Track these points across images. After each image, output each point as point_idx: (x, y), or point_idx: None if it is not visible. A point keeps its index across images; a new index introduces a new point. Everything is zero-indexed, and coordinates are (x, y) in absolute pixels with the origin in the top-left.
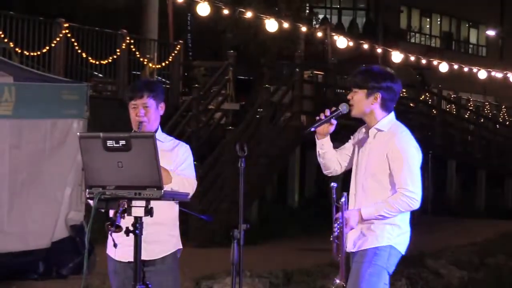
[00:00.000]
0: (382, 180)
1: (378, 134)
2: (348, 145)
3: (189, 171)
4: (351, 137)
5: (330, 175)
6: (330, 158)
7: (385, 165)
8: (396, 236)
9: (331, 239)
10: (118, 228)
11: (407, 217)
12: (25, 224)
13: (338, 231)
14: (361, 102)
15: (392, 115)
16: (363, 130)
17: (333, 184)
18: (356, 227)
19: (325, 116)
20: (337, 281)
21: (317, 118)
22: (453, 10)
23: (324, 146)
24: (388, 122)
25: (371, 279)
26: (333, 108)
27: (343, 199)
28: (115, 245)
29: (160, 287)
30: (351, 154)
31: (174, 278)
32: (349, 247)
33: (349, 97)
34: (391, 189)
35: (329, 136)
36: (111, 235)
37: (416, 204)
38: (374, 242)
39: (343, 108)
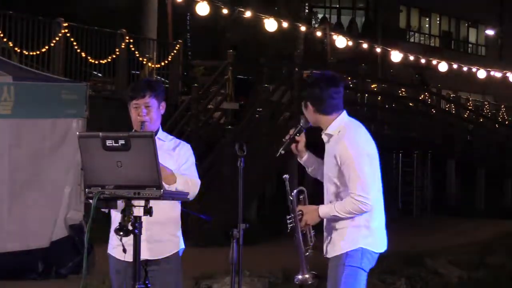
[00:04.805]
0: (336, 183)
1: (329, 138)
2: None
3: (192, 170)
4: None
5: None
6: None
7: (336, 167)
8: (364, 237)
9: (288, 231)
10: (128, 233)
11: (375, 215)
12: (24, 223)
13: (290, 226)
14: (305, 112)
15: (342, 115)
16: None
17: (286, 176)
18: (312, 223)
19: (290, 136)
20: (299, 277)
21: (283, 140)
22: (452, 9)
23: (307, 163)
24: (337, 124)
25: (348, 281)
26: (298, 126)
27: (293, 194)
28: (124, 251)
29: (163, 286)
30: None
31: (177, 278)
32: (324, 251)
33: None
34: (345, 190)
35: (308, 153)
36: (120, 240)
37: (366, 207)
38: (343, 248)
39: (302, 123)
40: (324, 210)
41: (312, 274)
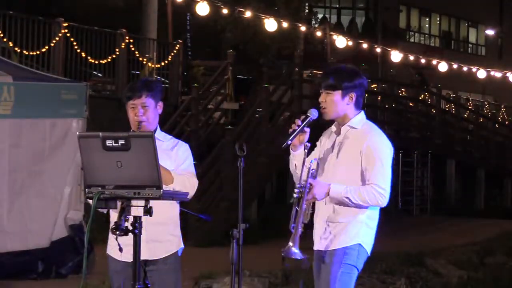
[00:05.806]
0: (352, 175)
1: (350, 131)
2: (315, 153)
3: (190, 170)
4: (317, 143)
5: None
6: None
7: (357, 161)
8: (364, 234)
9: (291, 201)
10: (124, 232)
11: (375, 215)
12: (24, 223)
13: (298, 194)
14: (337, 103)
15: (363, 113)
16: (333, 128)
17: (308, 144)
18: (319, 199)
19: (298, 126)
20: (289, 244)
21: (290, 130)
22: (452, 9)
23: (299, 157)
24: (360, 120)
25: (343, 278)
26: (303, 116)
27: (313, 163)
28: (120, 250)
29: (162, 286)
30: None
31: (176, 278)
32: (316, 244)
33: (322, 99)
34: (360, 185)
35: (303, 147)
36: (116, 239)
37: (384, 201)
38: (342, 242)
39: (312, 113)
40: (337, 189)
41: (300, 250)
